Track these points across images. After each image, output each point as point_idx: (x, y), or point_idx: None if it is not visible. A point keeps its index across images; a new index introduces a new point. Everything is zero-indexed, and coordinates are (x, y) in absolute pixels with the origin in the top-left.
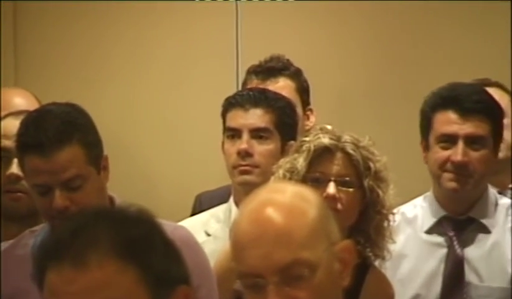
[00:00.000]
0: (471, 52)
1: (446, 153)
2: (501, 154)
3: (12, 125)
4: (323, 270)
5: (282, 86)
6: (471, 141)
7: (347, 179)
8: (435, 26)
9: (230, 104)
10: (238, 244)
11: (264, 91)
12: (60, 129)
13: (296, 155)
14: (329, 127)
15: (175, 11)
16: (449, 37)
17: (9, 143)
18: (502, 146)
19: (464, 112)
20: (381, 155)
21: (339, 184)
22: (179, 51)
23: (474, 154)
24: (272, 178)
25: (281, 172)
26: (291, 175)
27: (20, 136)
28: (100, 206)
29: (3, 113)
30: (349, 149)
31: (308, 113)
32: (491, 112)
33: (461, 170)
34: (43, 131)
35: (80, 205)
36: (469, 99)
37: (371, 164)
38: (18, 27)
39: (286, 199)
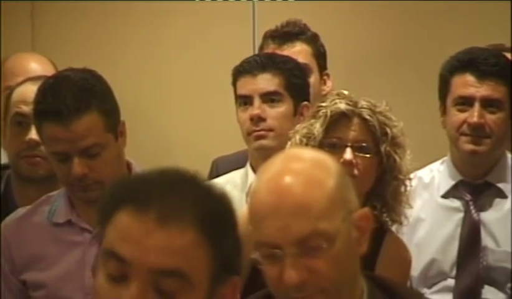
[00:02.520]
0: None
1: (463, 115)
2: None
3: (30, 91)
4: (341, 239)
5: (298, 50)
6: (488, 104)
7: (364, 144)
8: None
9: (239, 72)
10: (256, 214)
11: (270, 56)
12: (78, 97)
13: (312, 120)
14: (345, 92)
15: (198, 10)
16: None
17: (27, 109)
18: None
19: (481, 75)
20: (397, 120)
21: (356, 149)
22: (202, 38)
23: (491, 117)
24: (289, 143)
25: (297, 137)
26: (308, 140)
27: (37, 104)
28: (189, 173)
29: (20, 79)
30: (366, 114)
31: (325, 77)
32: (508, 75)
33: (477, 132)
34: (61, 98)
35: (98, 172)
36: (486, 62)
37: (388, 130)
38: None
39: (304, 168)
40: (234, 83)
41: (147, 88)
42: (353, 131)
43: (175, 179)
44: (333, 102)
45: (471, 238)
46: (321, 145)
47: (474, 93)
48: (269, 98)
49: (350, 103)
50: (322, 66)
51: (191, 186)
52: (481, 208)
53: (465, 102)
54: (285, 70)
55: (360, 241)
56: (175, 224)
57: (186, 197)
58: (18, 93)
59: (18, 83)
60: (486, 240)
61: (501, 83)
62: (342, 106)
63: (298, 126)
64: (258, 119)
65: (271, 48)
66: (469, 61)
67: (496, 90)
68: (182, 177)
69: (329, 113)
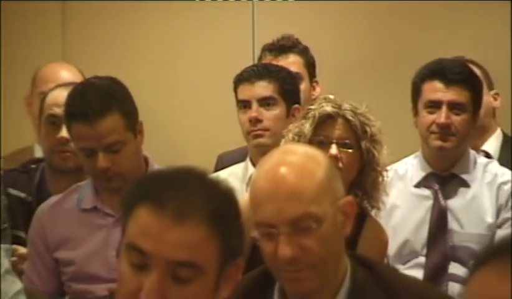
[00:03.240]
0: (471, 52)
1: (432, 117)
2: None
3: (61, 95)
4: (328, 221)
5: (292, 61)
6: (453, 107)
7: (347, 141)
8: (431, 21)
9: (239, 80)
10: (256, 199)
11: (266, 66)
12: (102, 101)
13: (303, 121)
14: (331, 97)
15: (202, 9)
16: (448, 30)
17: (59, 111)
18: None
19: (448, 82)
20: (376, 120)
21: (340, 145)
22: (204, 39)
23: (456, 118)
24: (283, 141)
25: (290, 135)
26: (299, 138)
27: (67, 106)
28: (199, 172)
29: (51, 85)
30: (349, 115)
31: (314, 84)
32: (471, 82)
33: (444, 131)
34: (87, 102)
35: (119, 166)
36: (452, 71)
37: (367, 128)
38: (66, 11)
39: (298, 160)
40: (235, 89)
41: (162, 92)
42: (337, 130)
43: (188, 178)
44: (320, 105)
45: (439, 222)
46: (310, 142)
47: (441, 97)
48: (265, 102)
49: (335, 106)
50: (311, 75)
51: (202, 185)
52: (448, 196)
53: (434, 105)
54: (279, 78)
55: (345, 224)
56: (190, 221)
57: (198, 196)
58: (51, 97)
59: (51, 89)
60: (452, 224)
61: (465, 89)
62: (328, 108)
63: (290, 126)
64: (255, 121)
65: (268, 59)
66: (438, 70)
67: (460, 95)
68: (194, 176)
69: (317, 115)
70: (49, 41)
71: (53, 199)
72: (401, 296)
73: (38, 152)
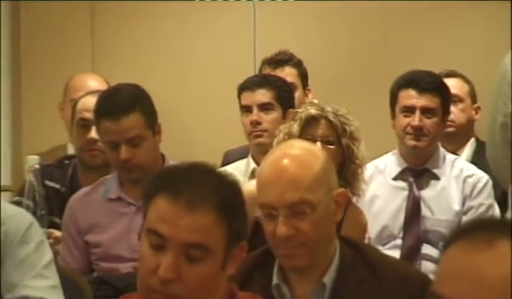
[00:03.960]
0: (474, 50)
1: (407, 120)
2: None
3: (90, 101)
4: (321, 208)
5: (287, 73)
6: (426, 111)
7: (330, 139)
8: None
9: (242, 88)
10: (262, 184)
11: (265, 76)
12: (127, 102)
13: (292, 122)
14: (315, 101)
15: (208, 10)
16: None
17: (88, 115)
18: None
19: (420, 90)
20: (354, 120)
21: (324, 142)
22: (210, 43)
23: (428, 121)
24: (275, 140)
25: (281, 135)
26: (289, 137)
27: (98, 106)
28: (209, 167)
29: (81, 93)
30: (330, 116)
31: (307, 92)
32: (441, 91)
33: (418, 132)
34: (114, 102)
35: (139, 158)
36: (424, 80)
37: (347, 127)
38: (95, 26)
39: (298, 154)
40: (239, 96)
41: (175, 98)
42: (321, 129)
43: (199, 172)
44: (306, 109)
45: (413, 210)
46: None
47: (415, 103)
48: (264, 107)
49: (319, 109)
50: (304, 84)
51: (211, 178)
52: (421, 187)
53: (409, 110)
54: (276, 86)
55: (336, 212)
56: (201, 209)
57: (208, 187)
58: (81, 103)
59: (81, 96)
60: (424, 211)
61: (435, 96)
62: (312, 111)
63: (281, 127)
64: (256, 123)
65: (267, 70)
66: (412, 80)
67: (431, 101)
68: (204, 170)
69: (303, 117)
70: (79, 42)
71: (83, 190)
72: (382, 273)
73: (71, 150)
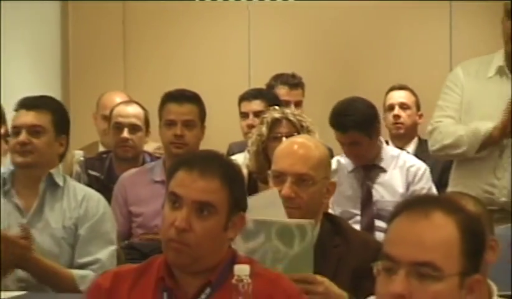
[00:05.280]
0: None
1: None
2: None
3: (122, 109)
4: (318, 187)
5: (300, 92)
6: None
7: (293, 134)
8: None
9: (241, 98)
10: (278, 155)
11: (259, 90)
12: (188, 97)
13: (260, 125)
14: (277, 107)
15: (207, 11)
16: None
17: (121, 119)
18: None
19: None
20: (308, 117)
21: (288, 138)
22: (209, 45)
23: (357, 147)
24: (250, 140)
25: (254, 136)
26: (260, 137)
27: (165, 96)
28: (217, 152)
29: (109, 110)
30: (290, 116)
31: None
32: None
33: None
34: (181, 92)
35: (188, 138)
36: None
37: (303, 123)
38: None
39: (308, 142)
40: (239, 105)
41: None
42: (284, 128)
43: (209, 153)
44: (270, 113)
45: (366, 197)
46: (268, 139)
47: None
48: (258, 114)
49: (280, 112)
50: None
51: (217, 157)
52: (372, 178)
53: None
54: (267, 99)
55: (326, 196)
56: (209, 176)
57: (215, 162)
58: (116, 111)
59: (115, 105)
60: (376, 196)
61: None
62: (276, 114)
63: (253, 130)
64: (252, 127)
65: (283, 90)
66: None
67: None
68: (213, 153)
69: (269, 119)
70: (111, 43)
71: (132, 170)
72: (351, 239)
73: (101, 147)
